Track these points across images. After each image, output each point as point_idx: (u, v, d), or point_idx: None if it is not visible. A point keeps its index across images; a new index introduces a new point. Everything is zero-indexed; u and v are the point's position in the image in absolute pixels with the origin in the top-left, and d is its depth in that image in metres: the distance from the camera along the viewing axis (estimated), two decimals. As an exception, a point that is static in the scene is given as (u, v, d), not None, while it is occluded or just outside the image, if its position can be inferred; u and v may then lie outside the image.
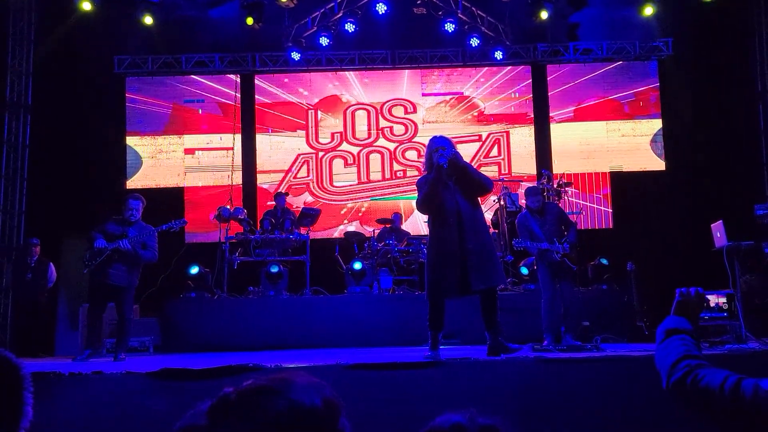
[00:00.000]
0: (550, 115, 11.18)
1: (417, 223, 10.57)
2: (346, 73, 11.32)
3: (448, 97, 11.31)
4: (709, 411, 1.58)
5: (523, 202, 8.21)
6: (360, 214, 11.06)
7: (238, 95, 11.17)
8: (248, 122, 11.18)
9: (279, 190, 10.36)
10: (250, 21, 9.95)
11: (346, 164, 11.22)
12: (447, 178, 4.83)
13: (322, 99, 11.32)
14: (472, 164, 10.79)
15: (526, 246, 6.42)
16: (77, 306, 7.95)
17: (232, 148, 10.92)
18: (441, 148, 4.85)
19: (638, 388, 3.77)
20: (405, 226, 10.24)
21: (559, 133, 11.13)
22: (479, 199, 5.23)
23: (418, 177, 5.44)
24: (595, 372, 4.14)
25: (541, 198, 6.73)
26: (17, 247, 8.98)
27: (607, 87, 11.17)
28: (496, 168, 11.09)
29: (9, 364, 1.52)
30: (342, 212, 11.05)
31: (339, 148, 11.25)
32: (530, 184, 8.47)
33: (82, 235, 6.61)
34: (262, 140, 11.21)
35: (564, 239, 6.38)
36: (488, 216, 9.02)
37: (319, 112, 11.27)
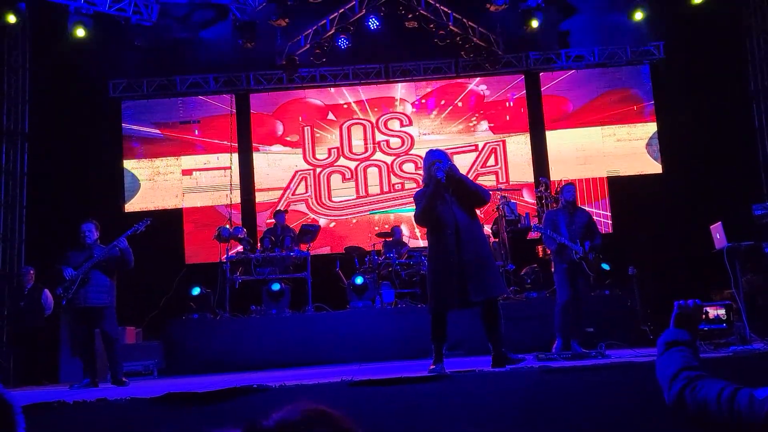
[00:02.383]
0: (545, 122, 11.21)
1: (419, 235, 10.56)
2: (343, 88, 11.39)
3: (443, 110, 11.35)
4: (708, 423, 1.58)
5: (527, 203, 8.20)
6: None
7: (234, 114, 11.22)
8: (245, 141, 11.21)
9: (278, 207, 10.36)
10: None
11: (344, 179, 11.24)
12: (444, 190, 4.84)
13: (318, 113, 11.37)
14: (469, 175, 10.91)
15: (546, 233, 6.30)
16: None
17: (230, 167, 10.94)
18: (437, 161, 4.86)
19: (645, 394, 3.75)
20: (409, 239, 10.23)
21: (555, 140, 11.16)
22: (479, 210, 5.24)
23: (417, 189, 5.46)
24: (601, 379, 4.11)
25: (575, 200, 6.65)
26: (18, 276, 8.95)
27: (601, 92, 11.21)
28: (493, 177, 11.12)
29: (2, 403, 1.49)
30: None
31: (336, 164, 11.28)
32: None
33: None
34: (259, 158, 11.24)
35: (586, 241, 6.33)
36: (487, 228, 9.02)
37: (315, 129, 11.32)
